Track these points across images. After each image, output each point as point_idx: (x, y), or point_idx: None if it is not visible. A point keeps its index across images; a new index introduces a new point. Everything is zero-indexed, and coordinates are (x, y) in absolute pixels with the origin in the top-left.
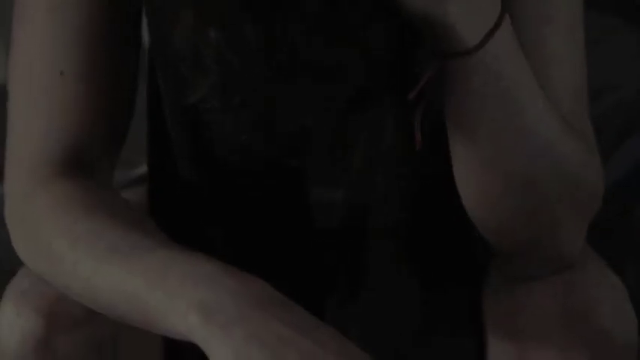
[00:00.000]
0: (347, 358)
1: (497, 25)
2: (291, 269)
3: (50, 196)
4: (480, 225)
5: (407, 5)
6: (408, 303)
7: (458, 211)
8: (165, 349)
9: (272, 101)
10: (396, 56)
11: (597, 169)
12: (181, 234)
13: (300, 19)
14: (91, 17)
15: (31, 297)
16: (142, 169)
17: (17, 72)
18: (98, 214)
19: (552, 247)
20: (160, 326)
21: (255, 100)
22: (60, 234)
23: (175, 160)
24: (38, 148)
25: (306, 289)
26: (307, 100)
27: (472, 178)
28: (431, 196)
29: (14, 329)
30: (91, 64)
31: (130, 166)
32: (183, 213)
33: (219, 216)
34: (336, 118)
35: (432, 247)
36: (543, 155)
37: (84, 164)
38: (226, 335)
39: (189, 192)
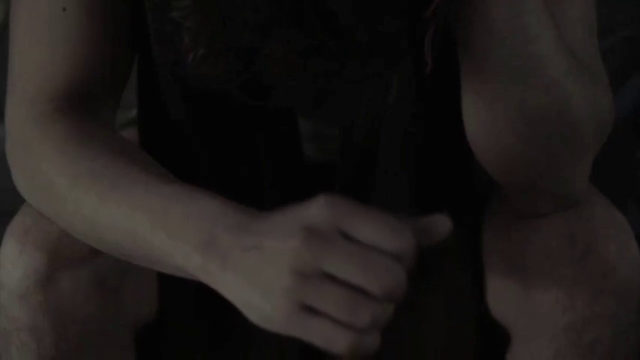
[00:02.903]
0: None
1: None
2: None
3: (50, 134)
4: (483, 160)
5: None
6: None
7: (461, 149)
8: (159, 287)
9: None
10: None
11: (607, 105)
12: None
13: None
14: None
15: (34, 234)
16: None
17: (19, 10)
18: (98, 152)
19: (556, 183)
20: (165, 266)
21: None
22: (60, 173)
23: (163, 96)
24: (39, 85)
25: None
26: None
27: (480, 109)
28: (435, 136)
29: (17, 266)
30: (93, 1)
31: (126, 107)
32: (172, 151)
33: (208, 152)
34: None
35: (434, 185)
36: (552, 90)
37: (85, 102)
38: (226, 267)
39: (177, 130)
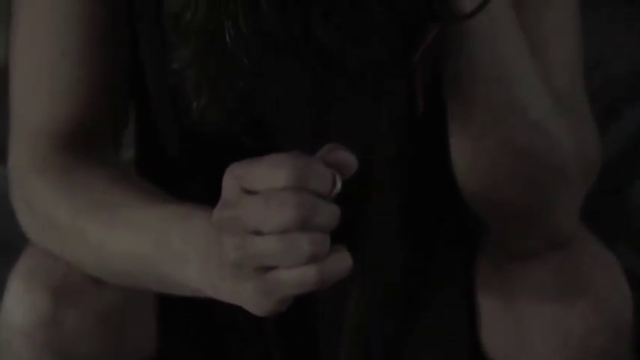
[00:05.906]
0: None
1: None
2: None
3: (49, 170)
4: (471, 198)
5: None
6: (399, 266)
7: (452, 178)
8: (159, 324)
9: (254, 79)
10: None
11: (593, 145)
12: None
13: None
14: None
15: (38, 273)
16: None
17: (19, 52)
18: (96, 182)
19: (545, 222)
20: (182, 288)
21: (237, 75)
22: (62, 207)
23: (161, 135)
24: (39, 123)
25: None
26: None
27: (466, 146)
28: (426, 173)
29: (22, 304)
30: (92, 45)
31: (124, 146)
32: (169, 189)
33: (205, 190)
34: (324, 103)
35: (426, 218)
36: (536, 131)
37: (85, 142)
38: (225, 278)
39: (174, 168)
